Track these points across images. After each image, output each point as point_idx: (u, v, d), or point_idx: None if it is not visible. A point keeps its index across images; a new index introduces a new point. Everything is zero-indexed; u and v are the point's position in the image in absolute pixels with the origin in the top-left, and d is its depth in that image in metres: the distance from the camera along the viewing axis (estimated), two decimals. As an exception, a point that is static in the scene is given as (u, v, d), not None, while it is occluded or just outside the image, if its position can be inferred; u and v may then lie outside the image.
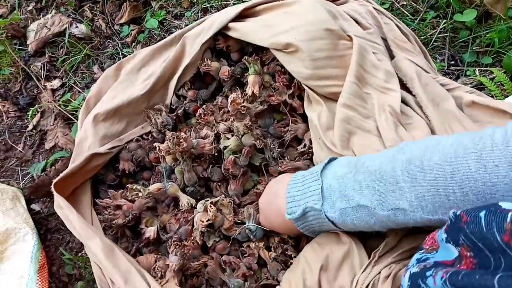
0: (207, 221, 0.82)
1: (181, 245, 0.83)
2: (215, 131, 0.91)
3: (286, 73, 0.91)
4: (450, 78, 1.07)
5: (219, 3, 1.28)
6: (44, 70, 1.31)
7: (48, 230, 1.10)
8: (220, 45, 0.98)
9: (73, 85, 1.28)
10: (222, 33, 0.97)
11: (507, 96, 1.01)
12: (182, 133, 0.91)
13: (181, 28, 1.13)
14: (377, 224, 0.65)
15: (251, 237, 0.84)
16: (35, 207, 1.13)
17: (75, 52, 1.32)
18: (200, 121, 0.94)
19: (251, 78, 0.91)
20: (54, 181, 0.88)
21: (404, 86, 0.85)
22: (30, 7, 1.42)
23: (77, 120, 1.18)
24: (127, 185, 0.90)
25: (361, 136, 0.79)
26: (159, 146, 0.90)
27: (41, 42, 1.34)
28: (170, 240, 0.86)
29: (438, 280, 0.48)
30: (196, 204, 0.87)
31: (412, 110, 0.82)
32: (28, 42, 1.35)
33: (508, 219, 0.43)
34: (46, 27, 1.34)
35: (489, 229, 0.45)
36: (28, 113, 1.27)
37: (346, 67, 0.84)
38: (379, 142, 0.77)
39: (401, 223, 0.62)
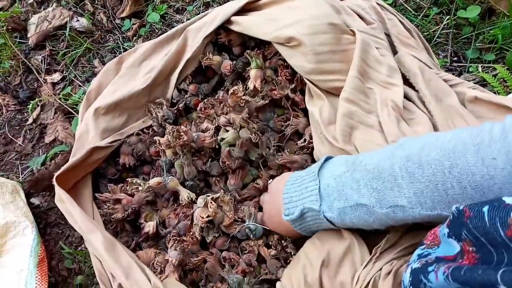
0: (207, 217, 0.81)
1: (180, 240, 0.83)
2: (216, 124, 0.91)
3: (289, 67, 0.91)
4: (453, 74, 1.06)
5: (221, -3, 1.27)
6: (44, 64, 1.31)
7: (48, 224, 1.09)
8: (222, 39, 0.98)
9: (73, 78, 1.28)
10: (224, 27, 0.96)
11: (510, 93, 1.01)
12: (183, 127, 0.90)
13: (182, 22, 1.12)
14: (376, 222, 0.64)
15: (251, 236, 0.84)
16: (35, 201, 1.12)
17: (75, 46, 1.31)
18: (200, 114, 0.94)
19: (253, 72, 0.91)
20: (56, 174, 0.88)
21: (407, 82, 0.84)
22: (31, 0, 1.41)
23: (77, 114, 1.18)
24: (126, 179, 0.90)
25: (363, 131, 0.78)
26: (159, 140, 0.90)
27: (41, 36, 1.33)
28: (169, 235, 0.86)
29: (440, 276, 0.47)
30: (196, 199, 0.87)
31: (415, 106, 0.82)
32: (28, 35, 1.34)
33: None
34: (47, 20, 1.34)
35: (492, 224, 0.45)
36: (28, 107, 1.26)
37: (349, 61, 0.83)
38: (381, 137, 0.76)
39: (400, 220, 0.62)
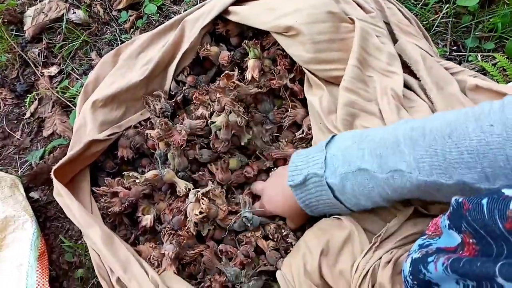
0: (200, 213, 0.81)
1: (175, 234, 0.83)
2: (211, 110, 0.90)
3: (288, 57, 0.90)
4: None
5: (218, -12, 1.26)
6: (41, 57, 1.30)
7: (47, 218, 1.09)
8: (220, 29, 0.97)
9: (70, 71, 1.27)
10: (222, 17, 0.96)
11: (510, 81, 1.00)
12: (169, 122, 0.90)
13: (180, 13, 1.11)
14: (375, 190, 0.65)
15: (248, 225, 0.83)
16: (34, 195, 1.12)
17: (72, 38, 1.30)
18: (195, 101, 0.93)
19: (250, 63, 0.90)
20: (54, 168, 0.88)
21: (408, 70, 0.84)
22: (27, -7, 1.40)
23: (75, 107, 1.18)
24: (123, 172, 0.89)
25: (364, 118, 0.78)
26: (150, 133, 0.90)
27: (38, 28, 1.32)
28: (163, 230, 0.86)
29: (440, 266, 0.47)
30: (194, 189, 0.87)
31: (415, 94, 0.81)
32: (25, 28, 1.34)
33: (511, 207, 0.43)
34: (43, 12, 1.32)
35: (491, 217, 0.45)
36: (25, 100, 1.25)
37: (347, 50, 0.82)
38: (383, 125, 0.76)
39: (398, 188, 0.62)
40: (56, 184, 0.87)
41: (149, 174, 0.87)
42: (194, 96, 0.94)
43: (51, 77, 1.28)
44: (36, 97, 1.25)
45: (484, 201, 0.46)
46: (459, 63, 1.08)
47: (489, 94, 0.78)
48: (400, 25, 0.91)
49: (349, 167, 0.66)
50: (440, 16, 1.12)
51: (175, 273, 0.80)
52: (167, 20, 1.12)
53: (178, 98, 0.98)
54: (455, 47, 1.11)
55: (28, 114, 1.24)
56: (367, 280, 0.64)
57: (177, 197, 0.90)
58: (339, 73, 0.82)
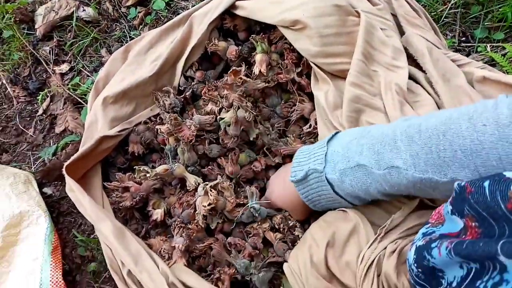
0: (208, 205, 0.82)
1: (185, 227, 0.84)
2: (220, 106, 0.91)
3: (295, 51, 0.90)
4: (461, 54, 1.05)
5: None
6: (52, 54, 1.31)
7: (61, 213, 1.11)
8: (227, 24, 0.97)
9: (81, 69, 1.28)
10: (229, 12, 0.96)
11: (520, 72, 0.99)
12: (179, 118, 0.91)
13: (188, 9, 1.12)
14: (372, 185, 0.66)
15: (256, 215, 0.84)
16: (47, 190, 1.14)
17: (82, 36, 1.32)
18: (204, 97, 0.94)
19: (258, 57, 0.91)
20: (66, 164, 0.89)
21: (414, 63, 0.84)
22: (37, -9, 1.42)
23: (86, 104, 1.19)
24: (134, 167, 0.91)
25: (370, 114, 0.78)
26: (159, 129, 0.91)
27: (49, 26, 1.34)
28: (173, 223, 0.87)
29: (443, 250, 0.48)
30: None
31: (421, 88, 0.81)
32: (36, 27, 1.35)
33: None
34: (53, 10, 1.34)
35: (493, 198, 0.46)
36: (37, 98, 1.27)
37: (354, 44, 0.83)
38: (388, 120, 0.76)
39: (395, 184, 0.63)
40: (68, 180, 0.88)
41: (160, 169, 0.88)
42: (203, 91, 0.94)
43: (62, 75, 1.29)
44: (48, 94, 1.27)
45: (486, 184, 0.47)
46: (468, 54, 1.08)
47: (497, 86, 0.77)
48: (407, 17, 0.91)
49: (348, 163, 0.67)
50: (448, 7, 1.11)
51: (185, 265, 0.82)
52: (176, 16, 1.12)
53: (187, 93, 0.98)
54: (464, 38, 1.10)
55: (40, 111, 1.26)
56: (373, 270, 0.64)
57: (186, 191, 0.91)
58: (345, 67, 0.82)
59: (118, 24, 1.33)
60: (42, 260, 0.98)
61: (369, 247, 0.67)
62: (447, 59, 0.83)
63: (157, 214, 0.90)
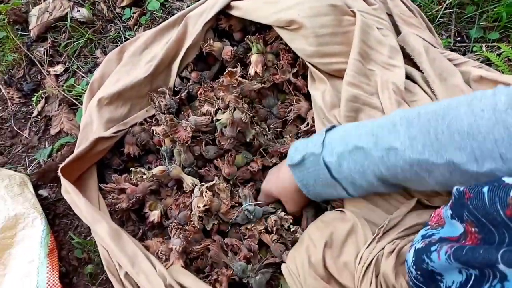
0: (203, 206, 0.82)
1: (182, 228, 0.84)
2: (216, 107, 0.91)
3: (291, 52, 0.90)
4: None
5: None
6: (47, 56, 1.31)
7: (57, 215, 1.11)
8: (223, 25, 0.97)
9: (76, 70, 1.28)
10: (224, 12, 0.96)
11: (515, 71, 1.00)
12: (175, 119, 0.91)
13: (183, 9, 1.12)
14: (369, 168, 0.66)
15: (251, 217, 0.84)
16: (43, 192, 1.13)
17: (77, 37, 1.31)
18: (200, 98, 0.94)
19: (254, 58, 0.90)
20: (61, 166, 0.89)
21: (411, 62, 0.84)
22: (31, -8, 1.41)
23: (81, 105, 1.18)
24: (131, 168, 0.90)
25: (368, 112, 0.78)
26: (155, 130, 0.90)
27: (43, 27, 1.33)
28: (170, 225, 0.86)
29: (442, 255, 0.48)
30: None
31: (418, 87, 0.81)
32: (30, 28, 1.35)
33: (511, 194, 0.43)
34: (47, 11, 1.33)
35: (492, 204, 0.45)
36: (32, 99, 1.27)
37: (350, 43, 0.83)
38: None
39: (391, 167, 0.64)
40: (64, 181, 0.88)
41: (156, 170, 0.88)
42: (199, 92, 0.94)
43: (57, 76, 1.29)
44: (42, 95, 1.26)
45: (485, 189, 0.47)
46: (464, 54, 1.08)
47: (493, 85, 0.77)
48: (403, 16, 0.91)
49: (346, 147, 0.68)
50: (443, 7, 1.12)
51: (182, 266, 0.81)
52: (170, 16, 1.12)
53: (183, 94, 0.98)
54: (459, 38, 1.11)
55: (35, 113, 1.25)
56: (371, 270, 0.64)
57: (183, 193, 0.90)
58: (341, 66, 0.82)
59: (112, 24, 1.32)
60: (38, 263, 0.97)
61: (367, 247, 0.67)
62: (443, 58, 0.83)
63: (154, 215, 0.90)
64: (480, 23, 1.09)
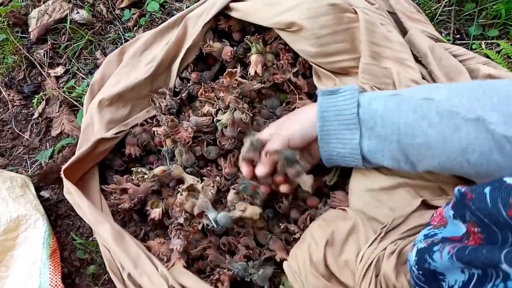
0: (177, 207, 0.82)
1: (181, 229, 0.84)
2: (217, 108, 0.91)
3: (291, 51, 0.90)
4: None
5: (220, -17, 1.26)
6: (47, 58, 1.31)
7: (58, 216, 1.11)
8: (222, 25, 0.97)
9: (76, 71, 1.28)
10: (223, 13, 0.96)
11: (515, 68, 1.00)
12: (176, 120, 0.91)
13: (182, 10, 1.12)
14: (396, 116, 0.67)
15: (215, 227, 0.80)
16: (45, 194, 1.14)
17: (77, 38, 1.31)
18: (201, 98, 0.94)
19: (253, 58, 0.91)
20: (63, 167, 0.89)
21: (418, 61, 0.84)
22: (30, -6, 1.41)
23: (82, 106, 1.19)
24: (132, 169, 0.91)
25: None
26: (156, 131, 0.91)
27: (42, 29, 1.34)
28: (170, 226, 0.87)
29: (445, 255, 0.48)
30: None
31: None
32: (29, 30, 1.35)
33: None
34: (47, 13, 1.34)
35: (494, 205, 0.45)
36: (33, 101, 1.27)
37: (352, 40, 0.82)
38: None
39: (421, 116, 0.65)
40: (66, 182, 0.88)
41: (158, 170, 0.88)
42: (199, 93, 0.94)
43: (57, 78, 1.29)
44: (43, 97, 1.27)
45: (487, 190, 0.46)
46: (463, 52, 1.08)
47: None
48: (406, 12, 0.90)
49: (383, 94, 0.72)
50: (442, 5, 1.12)
51: (184, 267, 0.82)
52: (170, 17, 1.12)
53: (183, 95, 0.98)
54: (458, 36, 1.11)
55: (36, 115, 1.26)
56: (371, 270, 0.64)
57: (183, 194, 0.91)
58: (345, 64, 0.82)
59: (112, 26, 1.32)
60: (40, 264, 0.98)
61: (369, 247, 0.67)
62: (450, 56, 0.83)
63: (155, 213, 0.90)
64: (479, 21, 1.09)
